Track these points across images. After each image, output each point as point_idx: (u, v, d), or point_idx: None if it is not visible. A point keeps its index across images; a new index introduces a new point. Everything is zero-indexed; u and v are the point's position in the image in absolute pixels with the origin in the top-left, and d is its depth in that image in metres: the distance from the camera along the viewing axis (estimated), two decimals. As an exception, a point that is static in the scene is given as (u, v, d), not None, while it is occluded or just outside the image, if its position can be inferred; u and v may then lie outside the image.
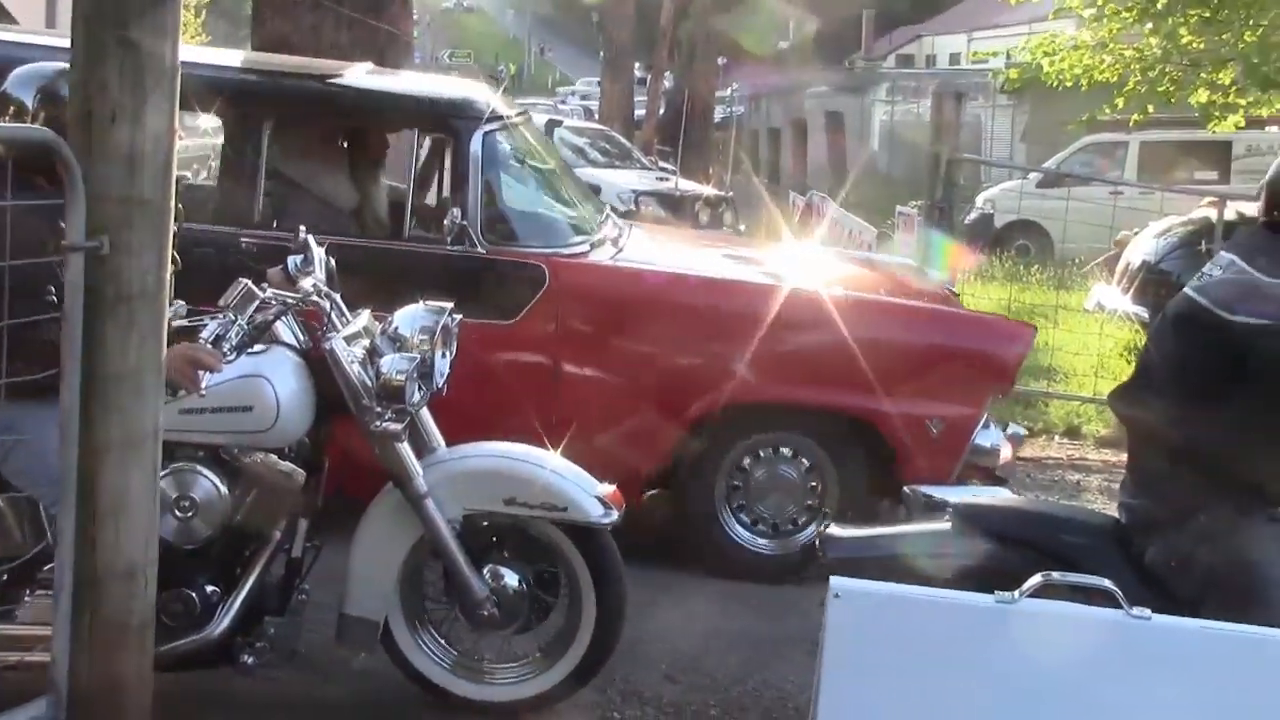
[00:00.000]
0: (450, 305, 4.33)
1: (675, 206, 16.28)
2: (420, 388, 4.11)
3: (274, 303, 4.10)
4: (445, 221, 5.62)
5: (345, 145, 6.38)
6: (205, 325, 3.92)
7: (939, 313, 6.37)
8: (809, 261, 7.15)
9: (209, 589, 4.11)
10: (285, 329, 4.16)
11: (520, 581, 4.32)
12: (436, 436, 4.36)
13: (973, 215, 19.59)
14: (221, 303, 3.99)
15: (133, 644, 3.34)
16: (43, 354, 3.52)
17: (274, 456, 4.15)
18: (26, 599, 4.01)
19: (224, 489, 4.09)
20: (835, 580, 3.13)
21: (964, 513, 3.80)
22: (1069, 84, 14.79)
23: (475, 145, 5.72)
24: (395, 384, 4.03)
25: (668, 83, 29.50)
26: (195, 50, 6.96)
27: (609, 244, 6.20)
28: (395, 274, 5.61)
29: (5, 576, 4.00)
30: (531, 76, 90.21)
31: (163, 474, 3.94)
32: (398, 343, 4.18)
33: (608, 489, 4.29)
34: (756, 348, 5.75)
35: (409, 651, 4.39)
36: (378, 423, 4.07)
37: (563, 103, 48.22)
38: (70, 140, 3.14)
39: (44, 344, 3.51)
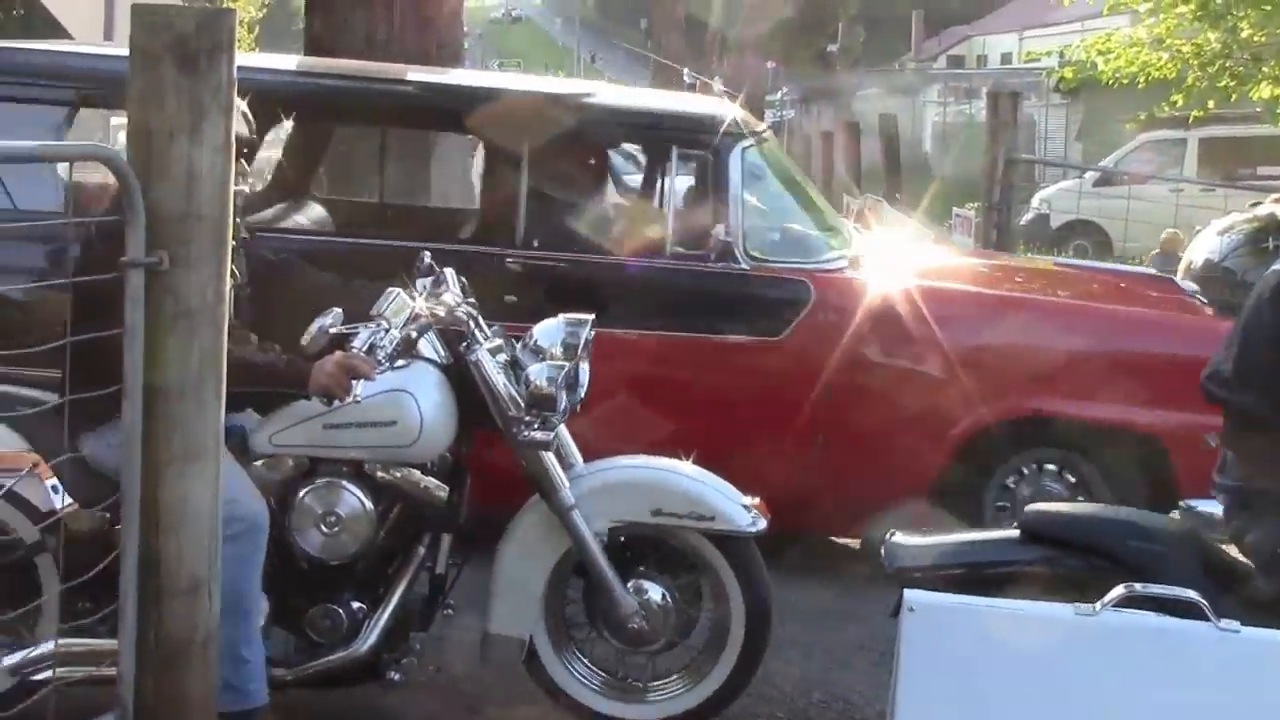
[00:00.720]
0: (591, 318, 4.30)
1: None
2: (565, 398, 4.09)
3: (425, 315, 4.08)
4: (710, 239, 5.60)
5: (598, 164, 6.48)
6: (357, 333, 3.90)
7: (1209, 325, 6.23)
8: (1064, 276, 7.16)
9: (355, 605, 4.12)
10: (426, 343, 4.12)
11: (664, 594, 4.28)
12: (575, 451, 4.33)
13: (1028, 216, 19.39)
14: (374, 311, 3.97)
15: (196, 660, 3.31)
16: None
17: (417, 472, 4.17)
18: None
19: (369, 504, 4.09)
20: (909, 593, 3.07)
21: (1033, 519, 3.73)
22: (1125, 81, 14.62)
23: (735, 161, 5.71)
24: (545, 392, 4.04)
25: (718, 88, 29.47)
26: (455, 74, 7.07)
27: (865, 259, 6.14)
28: (657, 292, 5.66)
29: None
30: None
31: (308, 489, 4.08)
32: (539, 355, 4.16)
33: (753, 498, 4.25)
34: (1033, 363, 5.72)
35: (554, 671, 4.35)
36: (526, 432, 4.05)
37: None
38: (129, 157, 3.13)
39: None
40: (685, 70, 25.61)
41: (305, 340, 3.85)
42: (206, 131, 3.15)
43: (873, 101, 32.08)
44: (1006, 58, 43.51)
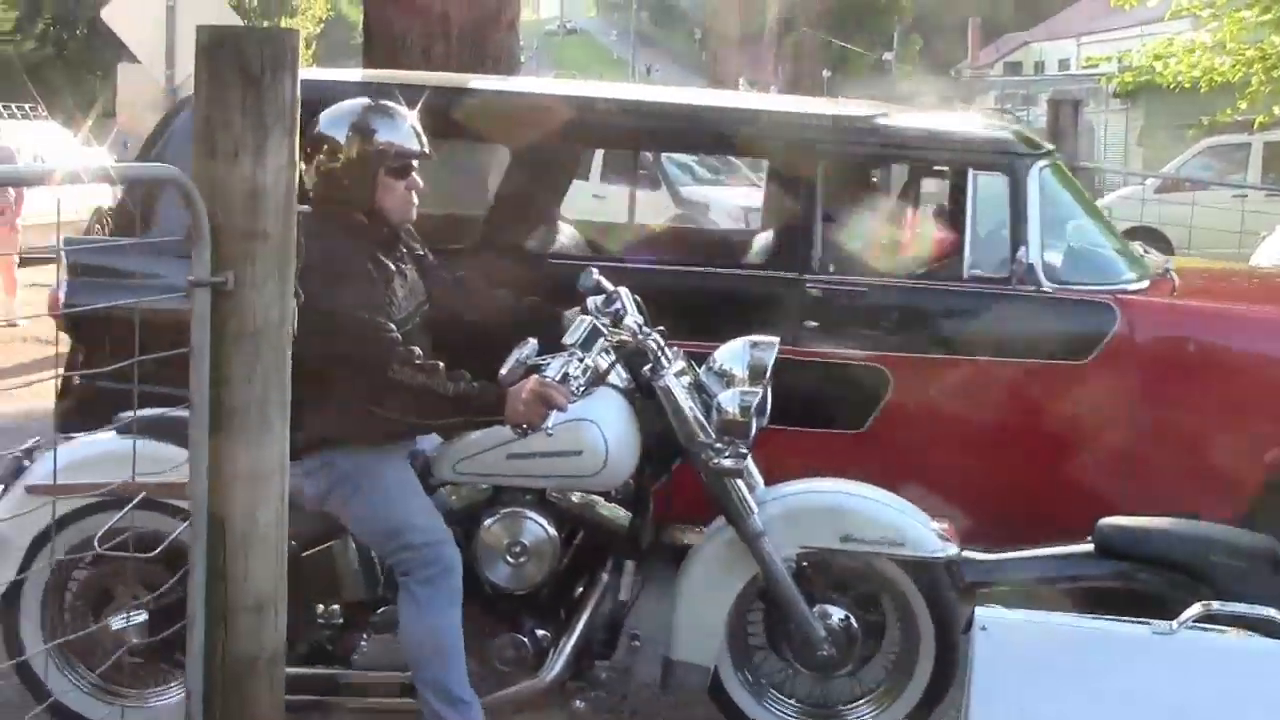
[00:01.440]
0: (777, 340, 4.23)
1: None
2: (755, 424, 4.04)
3: (614, 342, 4.08)
4: (1013, 261, 5.50)
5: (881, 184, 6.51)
6: (549, 363, 3.89)
7: None
8: None
9: (539, 633, 4.13)
10: (611, 369, 4.11)
11: (847, 619, 4.23)
12: (757, 475, 4.27)
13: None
14: (566, 340, 3.98)
15: (263, 678, 3.31)
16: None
17: (600, 499, 4.16)
18: (363, 643, 4.11)
19: (552, 532, 4.08)
20: (981, 612, 3.03)
21: (1108, 533, 3.68)
22: (1187, 86, 14.48)
23: (1034, 182, 5.60)
24: (737, 419, 3.98)
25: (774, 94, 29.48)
26: (739, 97, 6.97)
27: (1163, 279, 5.94)
28: (957, 315, 5.58)
29: (342, 620, 4.10)
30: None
31: (493, 519, 4.09)
32: (724, 379, 4.11)
33: (942, 522, 4.20)
34: None
35: (741, 699, 4.31)
36: (716, 459, 4.01)
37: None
38: (195, 176, 3.14)
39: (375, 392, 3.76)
40: (741, 79, 25.65)
41: (504, 371, 3.87)
42: (270, 150, 3.16)
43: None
44: (1064, 64, 43.17)
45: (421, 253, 4.27)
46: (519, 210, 5.87)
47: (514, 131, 5.73)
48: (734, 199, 16.60)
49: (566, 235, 6.44)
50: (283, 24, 43.66)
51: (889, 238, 6.10)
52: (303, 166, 3.98)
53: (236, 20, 13.40)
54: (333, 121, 4.02)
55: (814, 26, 25.02)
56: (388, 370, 3.79)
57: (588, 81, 7.40)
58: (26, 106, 29.46)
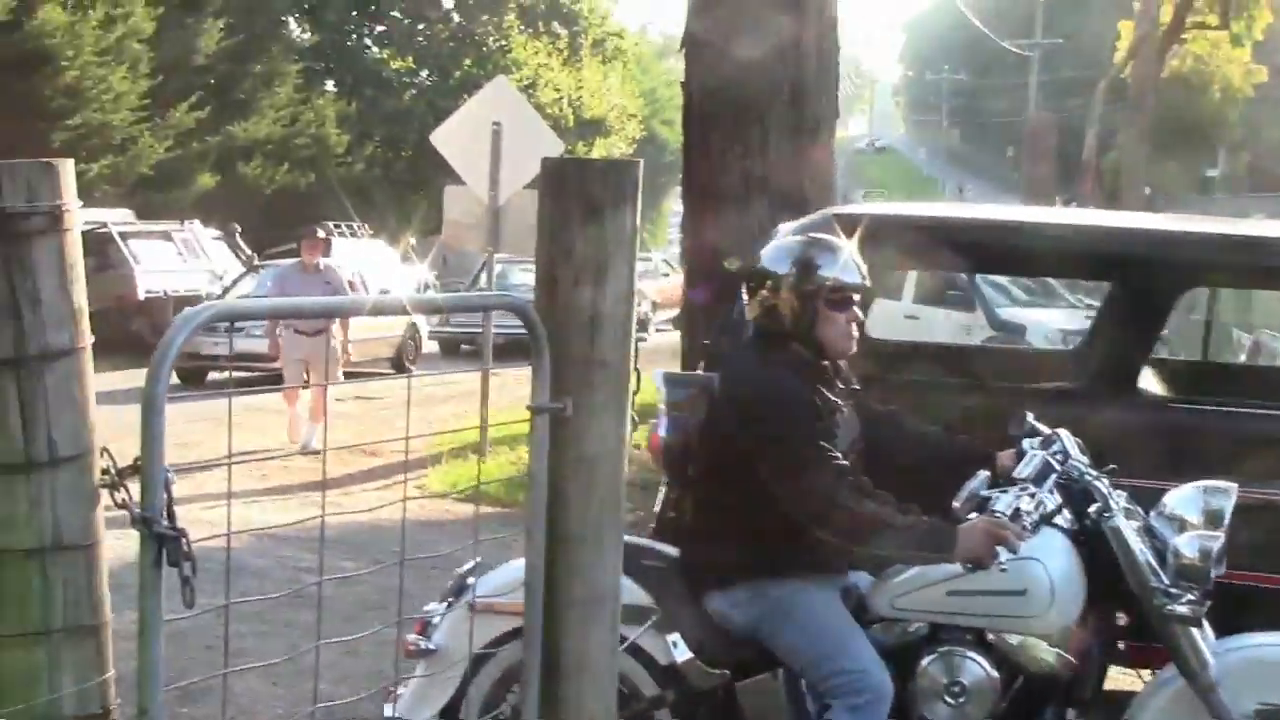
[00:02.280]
0: (1235, 487, 4.09)
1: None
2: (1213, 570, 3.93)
3: (1063, 481, 4.03)
4: None
5: None
6: (998, 498, 3.87)
7: None
8: None
9: None
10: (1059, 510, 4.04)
11: None
12: (1207, 625, 4.09)
13: None
14: (1017, 474, 3.97)
15: (593, 805, 3.32)
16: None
17: (1043, 643, 4.05)
18: None
19: (993, 674, 4.01)
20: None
21: None
22: None
23: None
24: (1197, 565, 3.87)
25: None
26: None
27: None
28: None
29: None
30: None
31: (931, 658, 4.06)
32: (1175, 523, 4.00)
33: None
34: None
35: None
36: (1171, 605, 3.88)
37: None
38: (537, 304, 3.22)
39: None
40: (1058, 198, 25.20)
41: (957, 504, 3.87)
42: (610, 280, 3.21)
43: (1259, 226, 30.65)
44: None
45: (856, 387, 4.28)
46: (1121, 347, 5.59)
47: (1121, 267, 5.49)
48: (1052, 321, 16.23)
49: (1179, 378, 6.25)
50: (598, 145, 44.94)
51: None
52: (745, 300, 4.08)
53: (560, 145, 13.80)
54: (775, 256, 4.11)
55: (1136, 143, 24.45)
56: (837, 498, 3.78)
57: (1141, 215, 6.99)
58: (355, 224, 31.08)
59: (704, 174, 9.91)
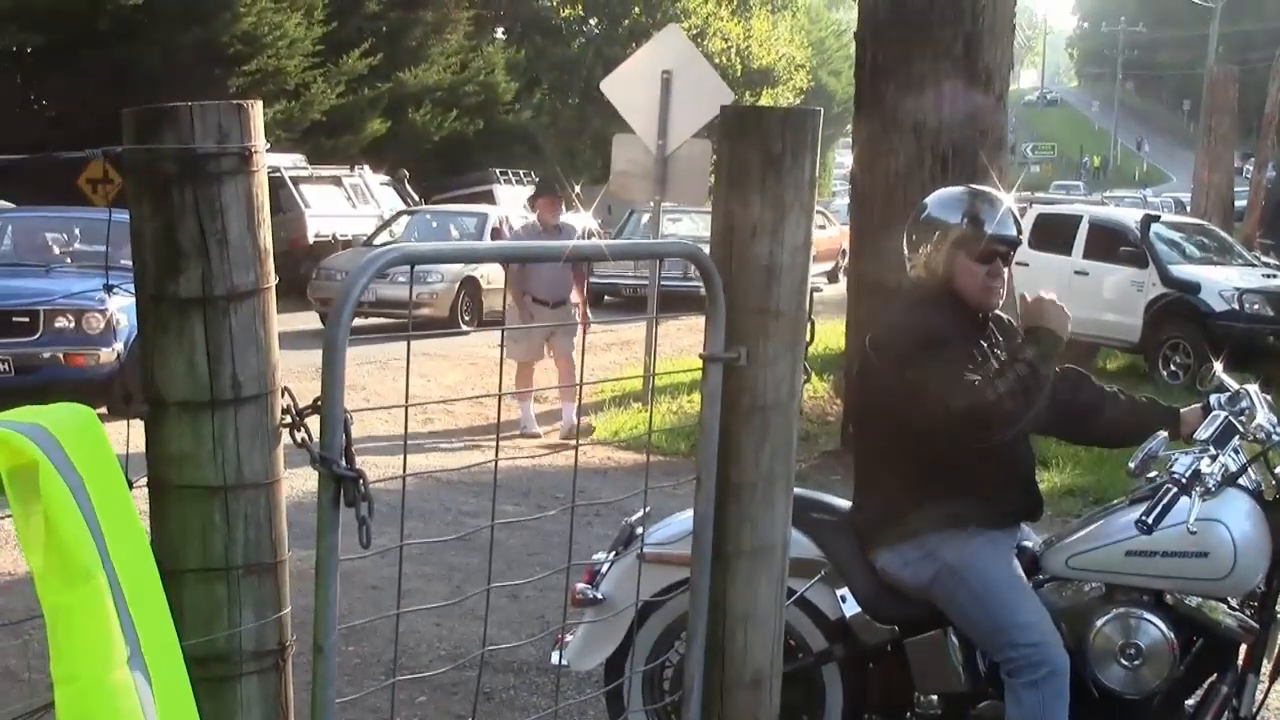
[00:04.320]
0: None
1: (1281, 305, 15.19)
2: None
3: (1248, 442, 3.96)
4: None
5: None
6: (1178, 459, 3.80)
7: None
8: None
9: None
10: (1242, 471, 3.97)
11: None
12: None
13: None
14: (1199, 436, 3.90)
15: (757, 755, 3.30)
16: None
17: (1224, 605, 3.99)
18: None
19: (1172, 637, 3.93)
20: None
21: None
22: None
23: None
24: None
25: (1272, 173, 27.91)
26: None
27: None
28: None
29: (940, 711, 4.10)
30: (1117, 168, 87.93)
31: (1107, 619, 3.99)
32: None
33: None
34: None
35: None
36: None
37: (1154, 195, 46.55)
38: (713, 253, 3.19)
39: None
40: (1236, 154, 24.41)
41: (1134, 464, 3.82)
42: (788, 230, 3.17)
43: None
44: None
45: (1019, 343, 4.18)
46: None
47: None
48: (1227, 278, 15.73)
49: None
50: (764, 95, 44.65)
51: None
52: (905, 250, 4.06)
53: (729, 95, 13.72)
54: (944, 207, 4.06)
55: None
56: (987, 391, 3.70)
57: None
58: (522, 173, 31.29)
59: (875, 129, 9.77)
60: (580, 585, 4.27)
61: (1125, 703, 3.93)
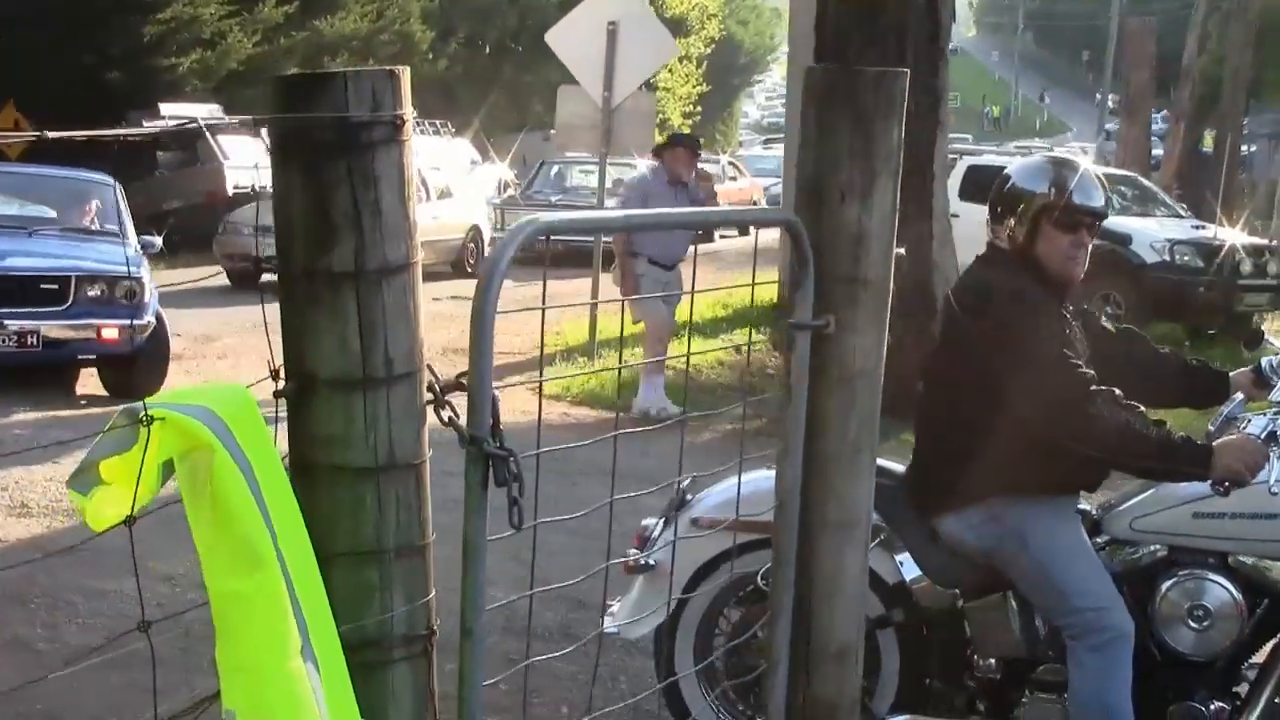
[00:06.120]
0: None
1: (1210, 257, 15.40)
2: None
3: None
4: None
5: None
6: (1250, 420, 3.80)
7: None
8: None
9: (1214, 705, 3.97)
10: None
11: None
12: None
13: None
14: (1273, 398, 3.91)
15: (841, 727, 3.28)
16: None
17: None
18: (1024, 701, 4.07)
19: (1239, 599, 3.91)
20: None
21: None
22: None
23: None
24: None
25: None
26: None
27: None
28: None
29: (998, 674, 4.06)
30: (1018, 119, 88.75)
31: (1172, 582, 3.96)
32: None
33: None
34: None
35: None
36: None
37: (1059, 148, 47.06)
38: (800, 218, 3.13)
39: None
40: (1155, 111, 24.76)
41: (1212, 427, 3.82)
42: (876, 195, 3.12)
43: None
44: None
45: (1086, 308, 4.19)
46: None
47: None
48: (1157, 230, 15.92)
49: None
50: (678, 45, 44.41)
51: None
52: (988, 218, 4.03)
53: (676, 48, 13.63)
54: (1029, 176, 4.01)
55: (1240, 49, 23.77)
56: (1088, 405, 3.69)
57: None
58: (438, 123, 30.95)
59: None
60: (630, 551, 4.22)
61: (1189, 666, 3.94)
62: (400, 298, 2.23)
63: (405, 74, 2.23)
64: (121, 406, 1.98)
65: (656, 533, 4.23)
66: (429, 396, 2.32)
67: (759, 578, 3.82)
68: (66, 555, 6.21)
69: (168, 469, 2.01)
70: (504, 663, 3.63)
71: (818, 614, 3.22)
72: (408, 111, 2.22)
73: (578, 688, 4.78)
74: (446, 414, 2.31)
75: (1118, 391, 3.73)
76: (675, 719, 4.28)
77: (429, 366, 2.32)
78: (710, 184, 10.91)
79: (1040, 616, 4.00)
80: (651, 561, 4.18)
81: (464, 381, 2.31)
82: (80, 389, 11.48)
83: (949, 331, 4.00)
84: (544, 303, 2.55)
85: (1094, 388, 3.71)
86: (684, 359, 10.83)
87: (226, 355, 12.97)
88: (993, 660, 4.03)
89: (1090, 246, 3.96)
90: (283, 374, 2.24)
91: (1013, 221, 3.96)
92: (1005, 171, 4.11)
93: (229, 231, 19.68)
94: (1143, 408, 3.77)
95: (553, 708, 4.77)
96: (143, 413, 1.95)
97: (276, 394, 2.23)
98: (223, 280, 18.52)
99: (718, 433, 9.68)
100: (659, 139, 12.15)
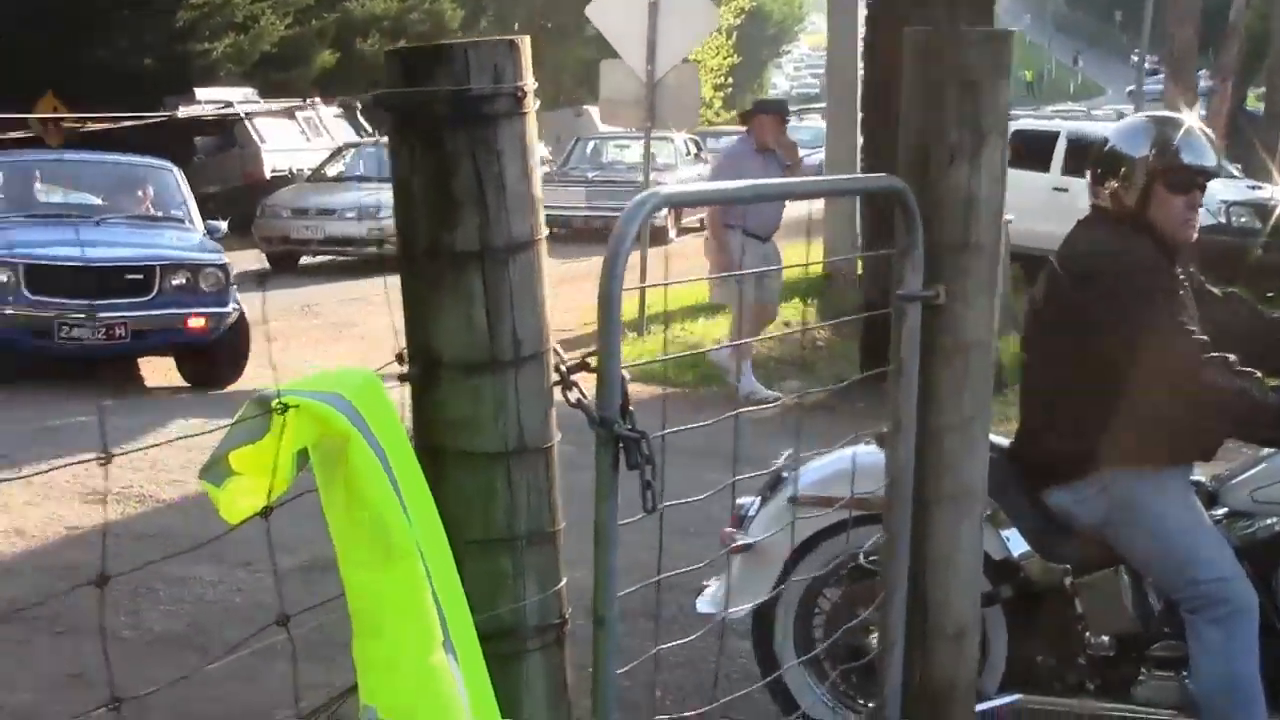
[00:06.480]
0: None
1: (1267, 217, 15.19)
2: None
3: None
4: None
5: None
6: None
7: None
8: None
9: None
10: None
11: None
12: None
13: None
14: None
15: (958, 707, 3.19)
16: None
17: None
18: (1140, 678, 3.96)
19: None
20: None
21: None
22: None
23: None
24: None
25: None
26: None
27: None
28: None
29: (1113, 652, 3.96)
30: (1051, 82, 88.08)
31: None
32: None
33: None
34: None
35: None
36: None
37: (1096, 111, 46.60)
38: (904, 184, 3.03)
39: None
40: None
41: None
42: (985, 158, 3.02)
43: None
44: None
45: (1191, 270, 4.07)
46: None
47: None
48: (1213, 190, 15.66)
49: None
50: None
51: None
52: (1088, 181, 3.93)
53: (716, 19, 13.50)
54: (1129, 138, 3.90)
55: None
56: (1202, 374, 3.59)
57: None
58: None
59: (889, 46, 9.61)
60: (727, 530, 4.14)
61: None
62: (527, 275, 2.14)
63: (525, 44, 2.14)
64: (254, 394, 1.90)
65: (753, 511, 4.14)
66: (555, 378, 2.24)
67: (862, 555, 3.73)
68: (139, 541, 6.20)
69: (301, 457, 1.93)
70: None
71: (933, 592, 3.13)
72: (529, 82, 2.12)
73: (678, 672, 4.67)
74: (574, 395, 2.23)
75: (1232, 357, 3.61)
76: (780, 705, 4.17)
77: (555, 347, 2.24)
78: (795, 150, 10.59)
79: (1155, 591, 3.89)
80: (748, 540, 4.09)
81: (589, 362, 2.23)
82: (148, 380, 11.49)
83: (1055, 299, 3.88)
84: (666, 277, 2.46)
85: (1209, 354, 3.59)
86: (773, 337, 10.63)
87: (276, 338, 12.94)
88: (1105, 637, 3.91)
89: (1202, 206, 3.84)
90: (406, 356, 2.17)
91: (1114, 184, 3.83)
92: (1102, 135, 3.97)
93: (267, 215, 19.69)
94: (1259, 374, 3.66)
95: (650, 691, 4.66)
96: (276, 400, 1.87)
97: (402, 378, 2.15)
98: (262, 264, 18.49)
99: (777, 408, 9.57)
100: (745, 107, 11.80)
